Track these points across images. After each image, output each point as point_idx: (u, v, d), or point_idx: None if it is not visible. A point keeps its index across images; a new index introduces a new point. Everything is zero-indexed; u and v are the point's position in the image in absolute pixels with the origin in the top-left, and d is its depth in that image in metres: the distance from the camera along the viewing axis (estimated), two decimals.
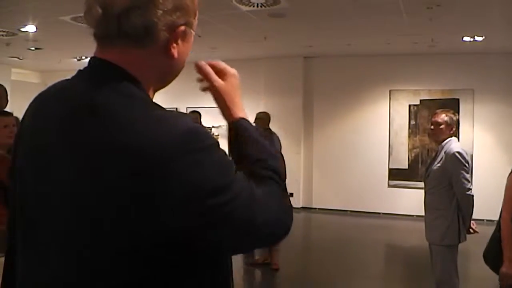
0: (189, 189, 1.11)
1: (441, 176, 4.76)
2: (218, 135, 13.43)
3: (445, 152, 4.76)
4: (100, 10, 1.19)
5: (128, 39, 1.22)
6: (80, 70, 1.31)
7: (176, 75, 1.39)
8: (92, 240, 1.14)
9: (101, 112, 1.16)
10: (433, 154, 5.10)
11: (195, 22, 1.37)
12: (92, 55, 1.31)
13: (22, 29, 9.43)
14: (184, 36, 1.30)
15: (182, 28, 1.28)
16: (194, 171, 1.12)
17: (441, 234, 4.75)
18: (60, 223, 1.17)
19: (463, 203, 4.68)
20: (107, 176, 1.12)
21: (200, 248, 1.18)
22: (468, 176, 4.69)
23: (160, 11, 1.21)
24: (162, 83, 1.37)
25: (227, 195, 1.16)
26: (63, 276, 1.18)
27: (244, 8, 8.01)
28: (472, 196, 4.67)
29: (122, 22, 1.19)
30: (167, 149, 1.10)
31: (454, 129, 4.91)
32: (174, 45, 1.27)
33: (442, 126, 4.86)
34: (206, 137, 1.19)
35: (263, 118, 7.46)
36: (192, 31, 1.34)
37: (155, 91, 1.36)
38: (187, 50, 1.34)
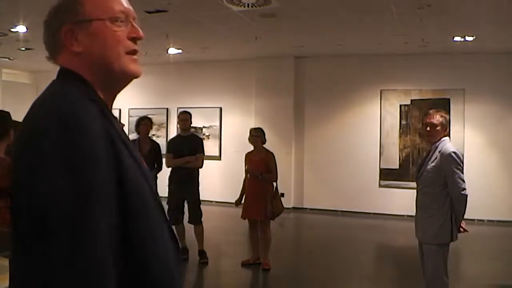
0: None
1: (436, 175, 4.79)
2: (209, 135, 13.46)
3: (439, 152, 4.79)
4: None
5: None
6: None
7: (107, 64, 1.48)
8: None
9: None
10: (425, 154, 5.13)
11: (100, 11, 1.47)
12: None
13: (12, 30, 9.40)
14: (80, 31, 1.45)
15: (67, 27, 1.45)
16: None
17: (434, 233, 4.78)
18: None
19: (457, 202, 4.73)
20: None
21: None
22: (463, 176, 4.76)
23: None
24: (101, 74, 1.49)
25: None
26: None
27: (235, 8, 8.01)
28: (466, 195, 4.72)
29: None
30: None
31: (447, 129, 4.96)
32: (74, 42, 1.46)
33: (438, 128, 4.90)
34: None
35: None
36: (93, 22, 1.46)
37: (106, 83, 1.51)
38: (101, 40, 1.46)
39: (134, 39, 1.51)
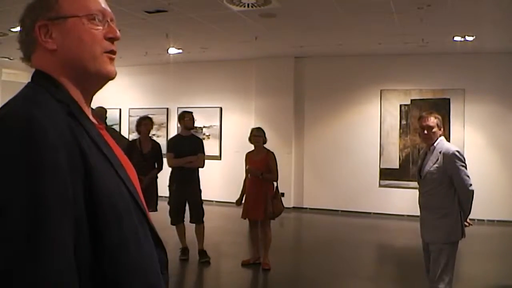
0: None
1: (441, 176, 4.85)
2: (209, 135, 13.46)
3: (440, 153, 4.85)
4: None
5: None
6: None
7: (82, 63, 1.42)
8: None
9: None
10: (423, 155, 5.16)
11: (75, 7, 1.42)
12: None
13: (12, 29, 9.39)
14: (55, 28, 1.40)
15: (41, 23, 1.39)
16: None
17: (447, 232, 4.85)
18: None
19: (465, 198, 4.83)
20: None
21: None
22: (467, 172, 4.86)
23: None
24: (76, 73, 1.43)
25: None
26: None
27: (235, 8, 8.01)
28: (473, 191, 4.82)
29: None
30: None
31: (441, 128, 5.03)
32: (48, 40, 1.40)
33: (434, 130, 4.98)
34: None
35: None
36: (69, 19, 1.40)
37: (81, 82, 1.45)
38: (77, 38, 1.41)
39: (111, 40, 1.46)
